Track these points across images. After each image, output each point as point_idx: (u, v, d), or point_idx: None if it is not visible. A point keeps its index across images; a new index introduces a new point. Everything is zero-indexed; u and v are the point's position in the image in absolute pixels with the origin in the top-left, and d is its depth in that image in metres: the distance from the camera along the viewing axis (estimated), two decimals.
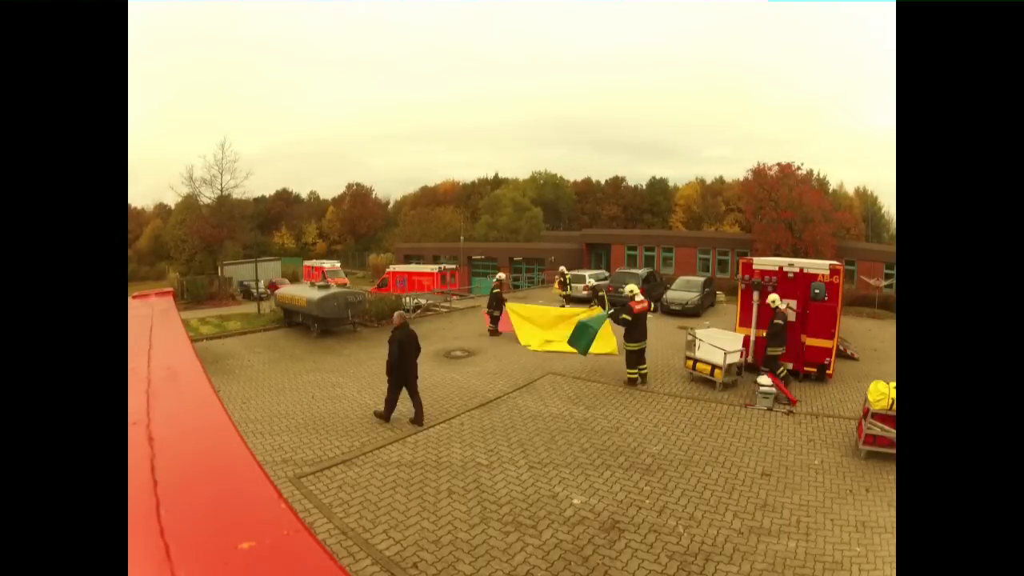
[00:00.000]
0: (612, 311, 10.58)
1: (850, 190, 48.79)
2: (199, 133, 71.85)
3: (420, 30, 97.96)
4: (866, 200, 48.32)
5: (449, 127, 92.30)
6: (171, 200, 43.71)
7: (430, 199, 56.49)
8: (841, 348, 11.44)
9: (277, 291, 17.90)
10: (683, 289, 18.64)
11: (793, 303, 10.16)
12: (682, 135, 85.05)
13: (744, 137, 65.41)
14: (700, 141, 73.74)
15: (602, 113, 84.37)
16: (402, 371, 7.70)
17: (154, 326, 1.97)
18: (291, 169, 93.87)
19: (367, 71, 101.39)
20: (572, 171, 65.90)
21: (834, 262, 10.87)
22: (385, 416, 7.75)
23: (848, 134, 65.75)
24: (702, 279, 20.15)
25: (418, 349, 8.09)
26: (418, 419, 7.69)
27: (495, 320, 14.13)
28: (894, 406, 6.57)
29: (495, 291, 14.95)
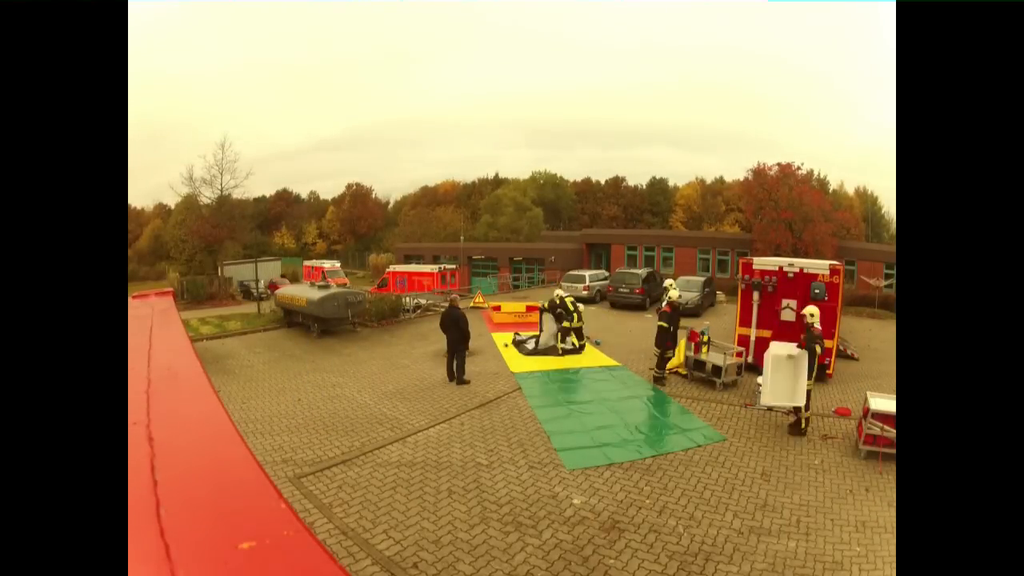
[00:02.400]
0: None
1: (850, 190, 48.82)
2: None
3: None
4: (866, 200, 48.30)
5: (544, 119, 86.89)
6: (171, 200, 43.68)
7: (430, 199, 56.45)
8: (841, 348, 11.44)
9: (277, 291, 17.89)
10: (683, 289, 18.60)
11: (793, 303, 10.17)
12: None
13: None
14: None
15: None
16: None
17: (154, 326, 1.96)
18: (343, 160, 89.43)
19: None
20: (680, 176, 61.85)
21: (834, 262, 10.87)
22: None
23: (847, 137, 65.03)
24: (702, 279, 20.18)
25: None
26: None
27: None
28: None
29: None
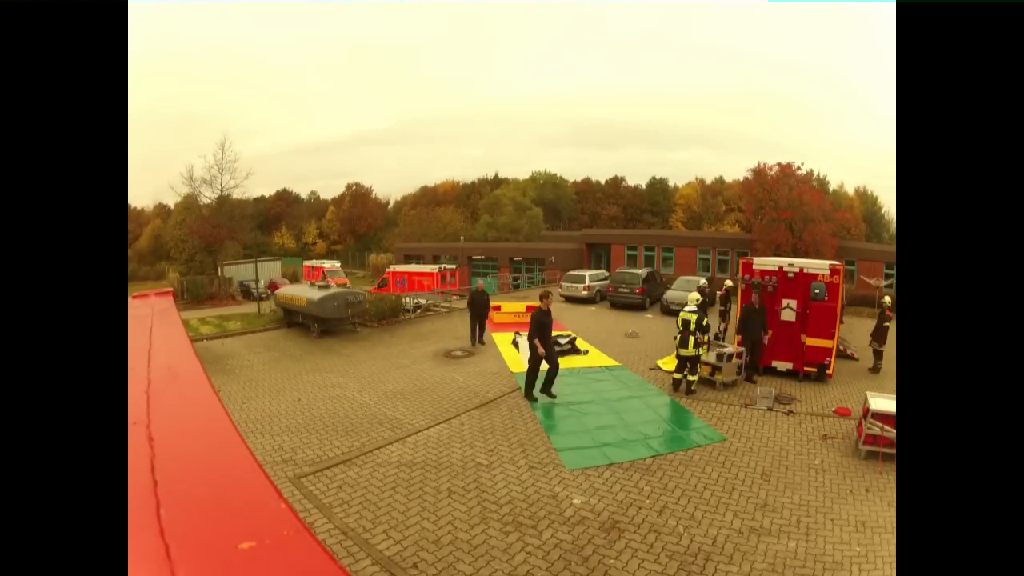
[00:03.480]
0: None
1: (850, 190, 48.88)
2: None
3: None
4: (866, 200, 48.33)
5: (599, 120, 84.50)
6: (171, 200, 43.71)
7: (430, 199, 56.52)
8: (841, 348, 11.44)
9: (277, 291, 17.89)
10: (683, 289, 18.60)
11: (793, 303, 10.17)
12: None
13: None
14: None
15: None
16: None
17: (154, 326, 1.96)
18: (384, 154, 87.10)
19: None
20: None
21: (834, 262, 10.87)
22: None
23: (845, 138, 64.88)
24: (702, 279, 20.17)
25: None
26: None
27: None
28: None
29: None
